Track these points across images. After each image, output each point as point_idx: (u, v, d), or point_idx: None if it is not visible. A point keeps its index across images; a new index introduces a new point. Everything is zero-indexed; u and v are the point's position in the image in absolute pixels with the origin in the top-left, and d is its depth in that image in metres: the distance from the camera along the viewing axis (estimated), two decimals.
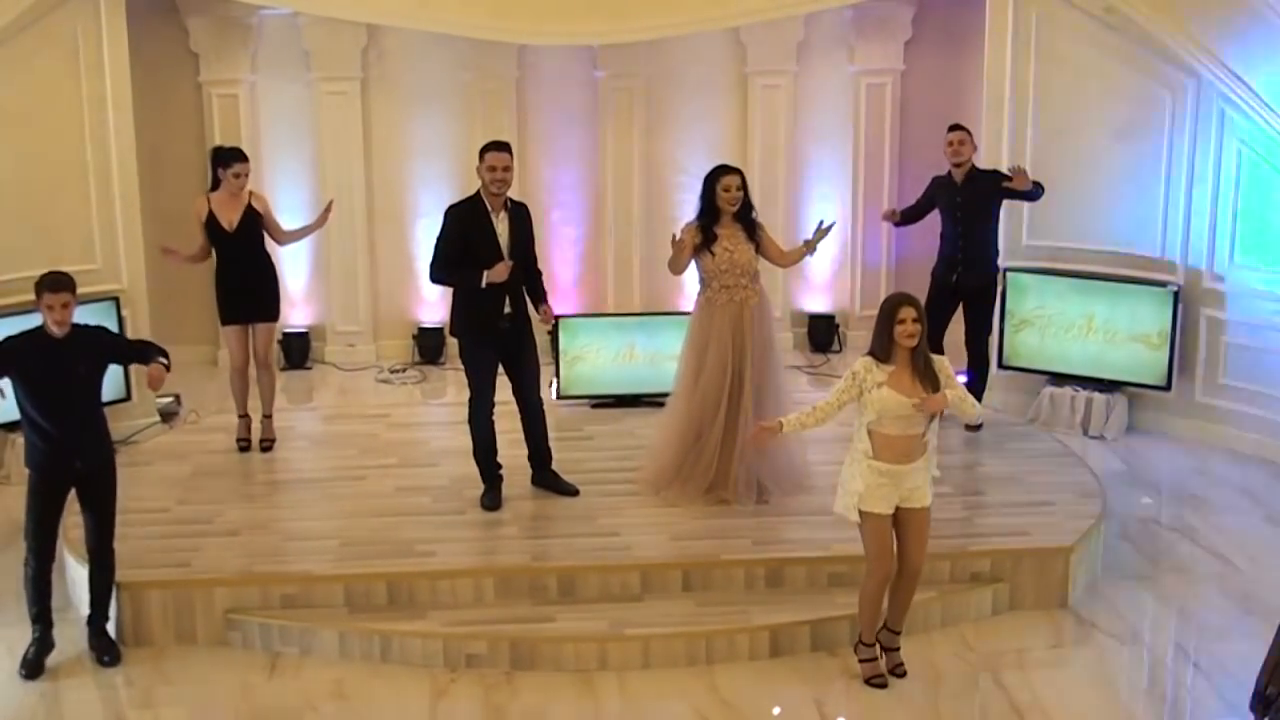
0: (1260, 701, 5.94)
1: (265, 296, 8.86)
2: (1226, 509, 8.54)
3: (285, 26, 10.74)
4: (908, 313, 6.18)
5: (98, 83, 9.06)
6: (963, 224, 9.06)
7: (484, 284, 7.60)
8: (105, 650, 6.83)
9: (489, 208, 7.69)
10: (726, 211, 7.80)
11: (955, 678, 6.64)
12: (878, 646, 6.63)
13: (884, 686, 6.56)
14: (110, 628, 6.95)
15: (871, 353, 6.30)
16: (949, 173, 9.13)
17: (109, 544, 6.84)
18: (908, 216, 9.44)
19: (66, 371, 6.57)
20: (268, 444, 8.96)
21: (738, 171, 7.88)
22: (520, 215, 7.81)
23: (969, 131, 9.10)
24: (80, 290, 8.69)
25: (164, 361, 6.78)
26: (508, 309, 7.74)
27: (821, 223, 7.92)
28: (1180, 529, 8.26)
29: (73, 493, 6.79)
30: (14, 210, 8.81)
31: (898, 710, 6.45)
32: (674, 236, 7.88)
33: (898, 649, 6.65)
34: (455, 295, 7.96)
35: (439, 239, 7.79)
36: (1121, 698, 6.54)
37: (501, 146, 7.72)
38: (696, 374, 7.91)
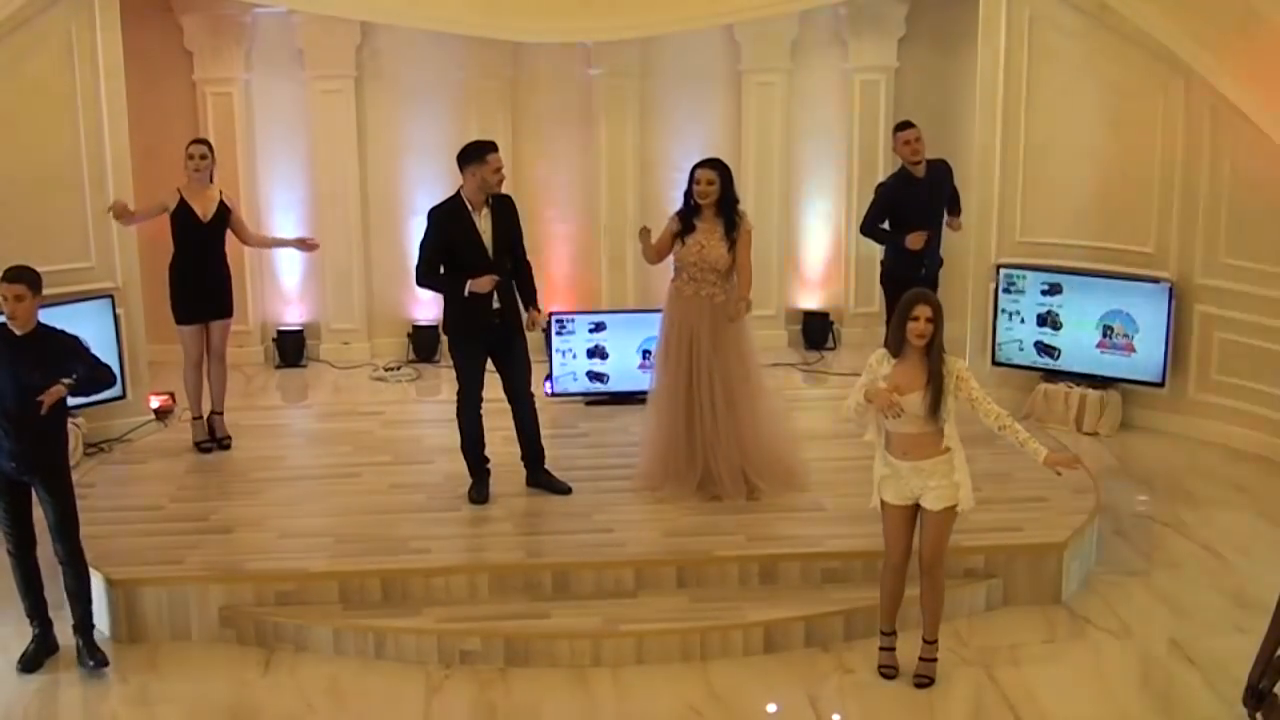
0: (1253, 695, 5.98)
1: (224, 294, 8.86)
2: (1220, 504, 8.55)
3: (279, 25, 10.74)
4: (922, 310, 6.15)
5: (92, 81, 9.05)
6: (932, 217, 9.10)
7: (466, 293, 7.62)
8: (92, 654, 6.75)
9: (470, 207, 7.70)
10: (702, 204, 7.81)
11: (949, 673, 6.63)
12: (895, 637, 6.65)
13: (891, 678, 6.58)
14: (104, 625, 6.96)
15: (886, 344, 6.32)
16: (903, 171, 9.12)
17: (76, 546, 6.71)
18: (882, 234, 9.22)
19: (16, 373, 6.40)
20: (227, 441, 8.94)
21: (712, 165, 7.86)
22: (503, 209, 7.79)
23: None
24: (74, 289, 8.89)
25: (67, 381, 6.35)
26: (496, 304, 7.74)
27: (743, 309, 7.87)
28: (1173, 524, 8.26)
29: None
30: (8, 208, 8.80)
31: (891, 706, 6.45)
32: (643, 230, 7.93)
33: (927, 659, 6.58)
34: (445, 291, 7.95)
35: (423, 243, 7.80)
36: (1115, 693, 6.54)
37: (497, 146, 7.75)
38: (664, 365, 7.95)
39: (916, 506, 6.37)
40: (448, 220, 7.73)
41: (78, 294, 8.92)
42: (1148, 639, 7.00)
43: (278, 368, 11.01)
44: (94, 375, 6.55)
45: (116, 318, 9.17)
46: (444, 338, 10.92)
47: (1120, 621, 7.17)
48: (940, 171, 9.20)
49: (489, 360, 7.93)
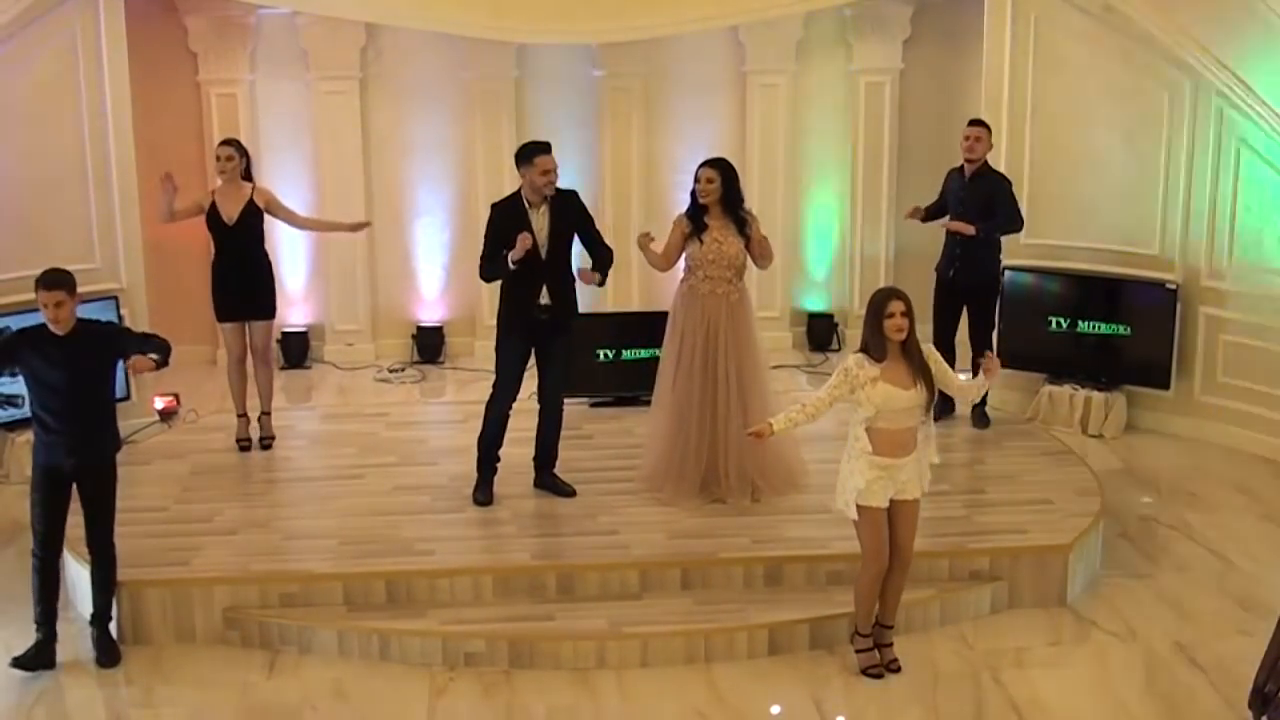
0: (1259, 698, 5.96)
1: (261, 294, 8.86)
2: (1225, 507, 8.55)
3: (284, 26, 10.75)
4: (896, 306, 6.22)
5: (97, 82, 9.06)
6: (965, 219, 9.03)
7: (511, 266, 7.59)
8: (105, 651, 6.82)
9: (527, 204, 7.68)
10: (705, 203, 7.81)
11: (954, 675, 6.64)
12: (873, 639, 6.66)
13: (880, 677, 6.59)
14: (110, 627, 6.95)
15: (863, 349, 6.31)
16: (961, 166, 9.13)
17: (109, 541, 6.83)
18: (931, 213, 9.34)
19: (71, 368, 6.55)
20: (268, 442, 8.97)
21: (712, 164, 7.86)
22: (564, 205, 7.74)
23: (988, 128, 9.09)
24: (79, 289, 8.79)
25: (154, 357, 6.74)
26: (544, 300, 7.73)
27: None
28: (1179, 527, 8.25)
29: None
30: (13, 209, 8.80)
31: (896, 708, 6.45)
32: (643, 235, 7.88)
33: (890, 644, 6.66)
34: (502, 284, 7.92)
35: (485, 237, 7.82)
36: (1120, 695, 6.53)
37: (548, 148, 7.68)
38: (675, 365, 7.94)
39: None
40: (503, 216, 7.73)
41: (82, 294, 8.78)
42: (1153, 642, 7.00)
43: (282, 369, 11.00)
44: (159, 344, 6.86)
45: (121, 319, 9.16)
46: (449, 340, 11.15)
47: (1125, 624, 7.16)
48: (987, 183, 9.07)
49: (531, 358, 7.91)
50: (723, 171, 7.82)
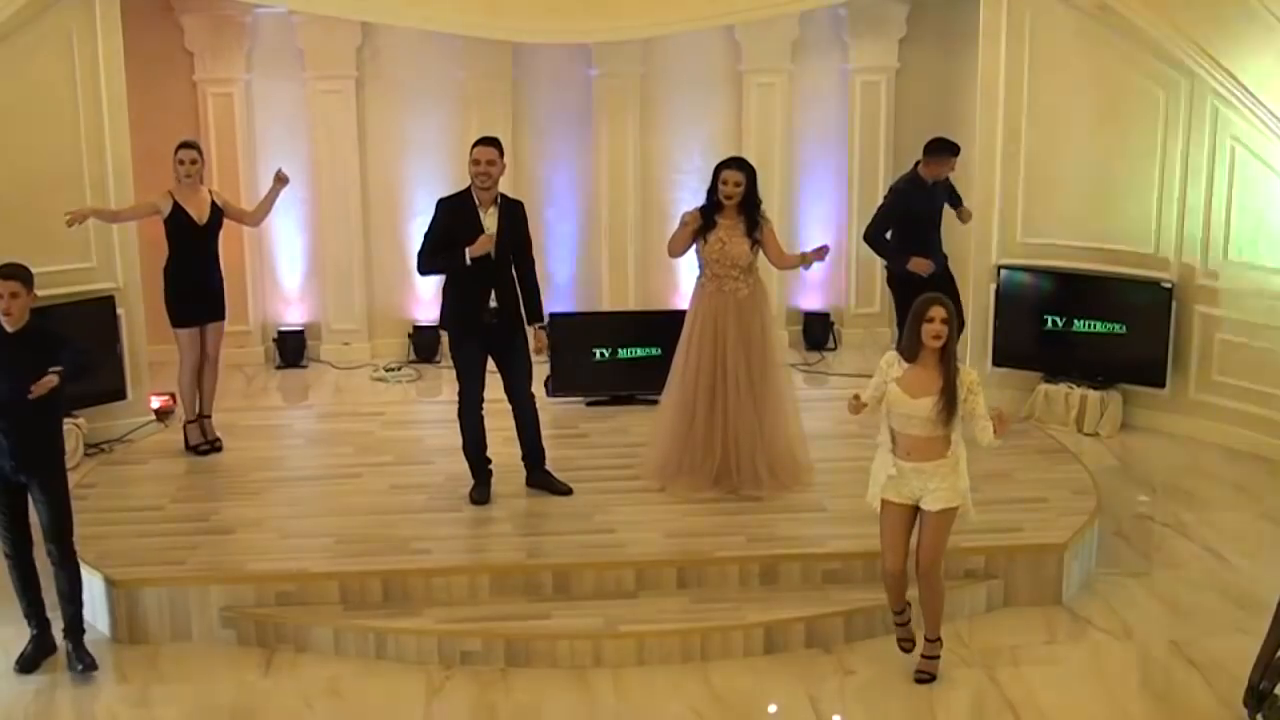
0: (1254, 696, 5.99)
1: (219, 295, 8.85)
2: (1220, 505, 8.56)
3: (280, 25, 10.74)
4: (937, 312, 6.18)
5: (93, 81, 9.05)
6: (937, 223, 9.21)
7: (468, 260, 7.60)
8: (81, 659, 6.69)
9: (477, 202, 7.70)
10: (726, 203, 7.83)
11: (949, 674, 6.64)
12: (907, 614, 6.68)
13: (908, 651, 6.66)
14: (105, 626, 6.96)
15: (898, 347, 6.35)
16: (919, 178, 9.09)
17: (67, 549, 6.68)
18: (886, 249, 9.17)
19: (10, 370, 6.36)
20: (219, 443, 8.93)
21: (739, 167, 7.87)
22: (512, 212, 7.80)
23: None
24: (75, 289, 8.89)
25: (57, 370, 6.29)
26: (493, 303, 7.74)
27: (825, 247, 7.95)
28: (1174, 525, 8.26)
29: None
30: (9, 208, 8.79)
31: (892, 707, 6.46)
32: (683, 215, 7.98)
33: (930, 656, 6.62)
34: (445, 288, 7.95)
35: (427, 230, 7.84)
36: (1115, 694, 6.54)
37: (487, 141, 7.73)
38: (685, 361, 7.97)
39: (916, 509, 6.38)
40: (450, 211, 7.76)
41: (79, 294, 8.92)
42: (1148, 640, 7.01)
43: (278, 368, 11.02)
44: (79, 360, 6.51)
45: (117, 318, 9.17)
46: (444, 337, 11.13)
47: (1121, 622, 7.17)
48: (941, 185, 9.26)
49: (490, 360, 7.93)
50: (748, 175, 7.85)
